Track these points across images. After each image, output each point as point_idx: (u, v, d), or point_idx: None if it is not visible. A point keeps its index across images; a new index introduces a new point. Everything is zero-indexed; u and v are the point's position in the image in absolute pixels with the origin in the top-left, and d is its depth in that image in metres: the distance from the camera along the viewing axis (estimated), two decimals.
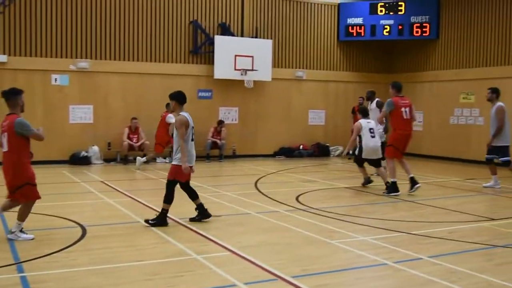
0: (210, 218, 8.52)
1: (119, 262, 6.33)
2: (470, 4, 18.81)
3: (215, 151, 17.87)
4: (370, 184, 12.46)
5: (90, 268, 6.02)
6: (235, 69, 18.19)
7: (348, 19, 20.48)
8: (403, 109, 11.27)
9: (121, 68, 17.13)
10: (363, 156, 12.08)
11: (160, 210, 8.26)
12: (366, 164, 12.42)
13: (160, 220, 8.14)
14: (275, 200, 10.45)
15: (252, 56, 18.32)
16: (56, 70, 16.29)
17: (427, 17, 19.80)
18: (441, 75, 19.72)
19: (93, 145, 16.61)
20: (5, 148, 7.10)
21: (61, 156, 16.26)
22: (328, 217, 9.00)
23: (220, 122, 18.04)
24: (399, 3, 19.89)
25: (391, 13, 19.97)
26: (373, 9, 20.14)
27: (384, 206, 10.42)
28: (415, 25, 19.85)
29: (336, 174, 14.04)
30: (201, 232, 7.76)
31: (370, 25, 20.16)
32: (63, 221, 8.46)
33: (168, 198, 8.25)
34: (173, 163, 8.35)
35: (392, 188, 11.33)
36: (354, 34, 20.44)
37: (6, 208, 7.46)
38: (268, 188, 12.15)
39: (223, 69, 18.04)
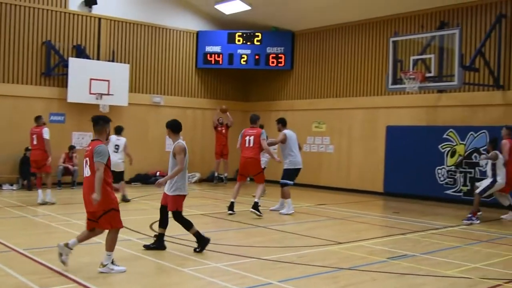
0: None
1: None
2: (321, 39, 19.88)
3: (67, 178, 17.13)
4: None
5: None
6: (90, 93, 17.67)
7: (206, 47, 20.77)
8: (247, 137, 12.66)
9: None
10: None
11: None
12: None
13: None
14: (127, 228, 10.13)
15: (108, 80, 17.92)
16: None
17: (282, 48, 20.60)
18: (295, 104, 20.52)
19: None
20: (87, 173, 7.05)
21: None
22: (181, 244, 8.91)
23: (72, 148, 17.40)
24: (256, 33, 20.52)
25: (248, 43, 20.54)
26: (231, 38, 20.59)
27: (237, 233, 10.54)
28: (271, 56, 20.57)
29: (191, 201, 13.99)
30: (45, 263, 7.31)
31: (228, 54, 20.58)
32: None
33: (186, 225, 8.53)
34: (170, 194, 8.39)
35: (229, 206, 12.41)
36: (212, 62, 20.74)
37: (83, 239, 7.28)
38: (121, 216, 11.76)
39: (77, 92, 17.45)
